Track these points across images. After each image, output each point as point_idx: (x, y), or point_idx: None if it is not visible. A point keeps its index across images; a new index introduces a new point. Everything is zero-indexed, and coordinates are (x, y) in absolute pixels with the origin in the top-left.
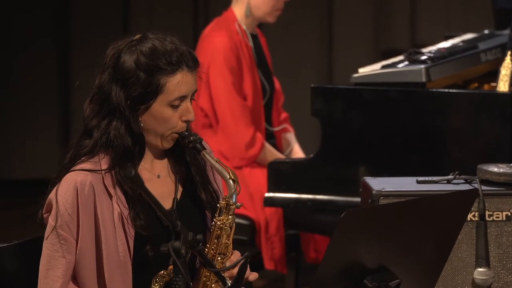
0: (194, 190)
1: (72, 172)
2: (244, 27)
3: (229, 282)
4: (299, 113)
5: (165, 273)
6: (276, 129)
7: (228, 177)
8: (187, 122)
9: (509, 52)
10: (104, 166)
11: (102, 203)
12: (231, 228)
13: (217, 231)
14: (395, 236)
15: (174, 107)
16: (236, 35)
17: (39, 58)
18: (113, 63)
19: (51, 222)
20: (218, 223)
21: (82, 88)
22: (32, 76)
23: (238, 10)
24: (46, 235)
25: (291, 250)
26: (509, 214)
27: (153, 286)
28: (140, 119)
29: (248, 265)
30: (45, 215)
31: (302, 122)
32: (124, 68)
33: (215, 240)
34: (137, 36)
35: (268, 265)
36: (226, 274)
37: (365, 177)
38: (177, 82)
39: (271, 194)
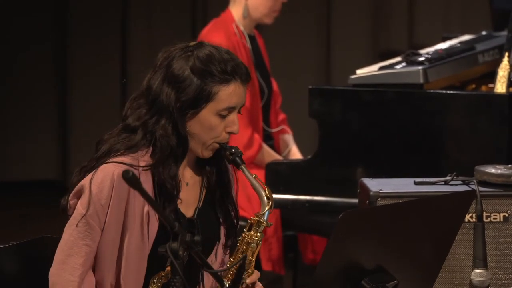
0: (216, 201)
1: (110, 163)
2: (241, 28)
3: (226, 284)
4: (297, 114)
5: (162, 274)
6: (274, 130)
7: (264, 194)
8: (231, 133)
9: (506, 54)
10: (142, 163)
11: (134, 199)
12: (257, 245)
13: (244, 246)
14: (393, 237)
15: (222, 116)
16: (234, 36)
17: (38, 59)
18: (166, 65)
19: (80, 209)
20: (246, 238)
21: (80, 90)
22: (31, 77)
23: (235, 11)
24: (72, 221)
25: (289, 251)
26: (506, 215)
27: (150, 287)
28: (186, 123)
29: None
30: (71, 201)
31: (300, 123)
32: (178, 71)
33: (240, 255)
34: (193, 43)
35: (266, 266)
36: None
37: (362, 178)
38: (230, 93)
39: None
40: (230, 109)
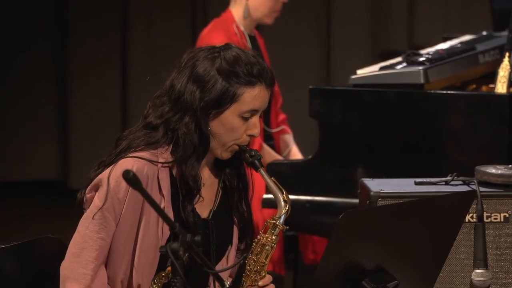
0: (232, 204)
1: (130, 158)
2: (242, 28)
3: (227, 284)
4: (297, 115)
5: (163, 274)
6: (274, 130)
7: (281, 198)
8: (251, 136)
9: (507, 54)
10: (162, 160)
11: (151, 195)
12: (272, 248)
13: (259, 248)
14: (393, 237)
15: (244, 119)
16: (234, 36)
17: (38, 59)
18: (191, 65)
19: (97, 202)
20: (262, 240)
21: (80, 90)
22: (31, 77)
23: (236, 11)
24: (88, 214)
25: (289, 252)
26: (507, 215)
27: (151, 287)
28: (209, 123)
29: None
30: (88, 195)
31: (300, 124)
32: (204, 71)
33: (254, 257)
34: (220, 45)
35: None
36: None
37: (363, 179)
38: (254, 95)
39: (269, 196)
40: (253, 112)
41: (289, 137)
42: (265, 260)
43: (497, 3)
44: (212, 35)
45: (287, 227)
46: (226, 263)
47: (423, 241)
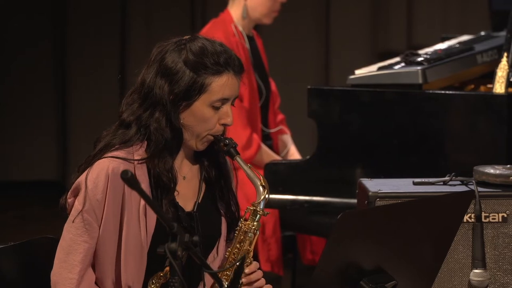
0: (216, 195)
1: (105, 158)
2: (240, 28)
3: (225, 284)
4: (296, 115)
5: (161, 274)
6: (272, 130)
7: (259, 183)
8: (224, 125)
9: (505, 54)
10: (137, 157)
11: (130, 193)
12: (255, 234)
13: (241, 235)
14: (392, 237)
15: (215, 108)
16: (233, 37)
17: (38, 59)
18: (159, 59)
19: (77, 205)
20: (244, 227)
21: (80, 90)
22: (31, 77)
23: (234, 11)
24: (70, 218)
25: (288, 252)
26: (505, 215)
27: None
28: (180, 115)
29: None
30: (69, 200)
31: (299, 124)
32: (171, 64)
33: (238, 245)
34: (187, 36)
35: (265, 266)
36: (244, 280)
37: (361, 179)
38: (222, 84)
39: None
40: (224, 101)
41: (287, 137)
42: (249, 247)
43: (495, 3)
44: (210, 35)
45: (268, 212)
46: (217, 255)
47: (421, 241)
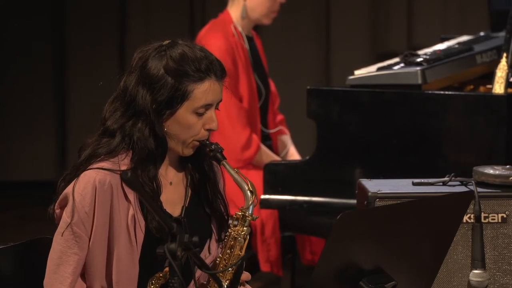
0: (204, 199)
1: (91, 170)
2: (240, 29)
3: (225, 284)
4: (295, 115)
5: (161, 275)
6: (272, 131)
7: (247, 188)
8: (210, 130)
9: (504, 54)
10: (123, 167)
11: (118, 204)
12: (245, 239)
13: (231, 241)
14: (391, 238)
15: (199, 114)
16: (232, 37)
17: (37, 60)
18: (140, 66)
19: (65, 218)
20: (233, 233)
21: (79, 90)
22: (30, 77)
23: (234, 12)
24: (59, 230)
25: (287, 252)
26: (504, 216)
27: None
28: (164, 124)
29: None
30: (57, 210)
31: (298, 124)
32: (152, 72)
33: (228, 251)
34: (166, 42)
35: (264, 267)
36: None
37: (360, 179)
38: (205, 90)
39: (267, 196)
40: (207, 106)
41: (287, 138)
42: (240, 252)
43: (494, 4)
44: (209, 36)
45: (257, 217)
46: (209, 254)
47: (421, 241)
